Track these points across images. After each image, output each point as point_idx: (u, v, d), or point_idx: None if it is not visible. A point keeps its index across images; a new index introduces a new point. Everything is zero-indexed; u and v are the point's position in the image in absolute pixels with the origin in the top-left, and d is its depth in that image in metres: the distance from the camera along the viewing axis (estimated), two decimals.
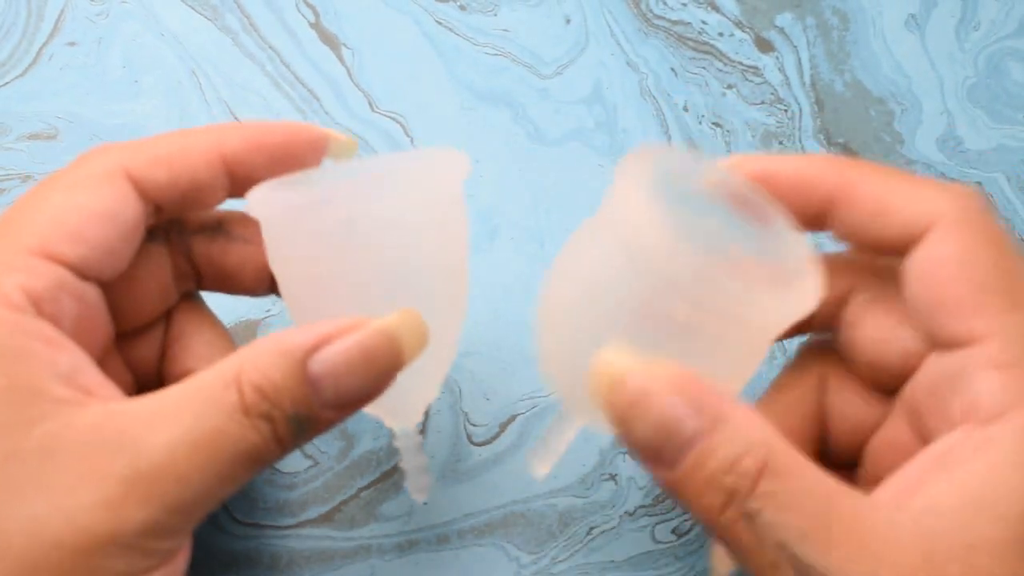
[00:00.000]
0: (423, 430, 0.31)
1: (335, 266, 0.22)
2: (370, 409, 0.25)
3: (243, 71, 0.34)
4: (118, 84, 0.34)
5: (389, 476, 0.31)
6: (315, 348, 0.20)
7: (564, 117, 0.35)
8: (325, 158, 0.25)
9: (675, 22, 0.36)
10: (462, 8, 0.36)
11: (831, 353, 0.25)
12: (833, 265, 0.24)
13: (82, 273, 0.21)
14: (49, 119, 0.33)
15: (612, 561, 0.31)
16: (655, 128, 0.35)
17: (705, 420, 0.18)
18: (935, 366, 0.21)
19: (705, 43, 0.36)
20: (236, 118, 0.34)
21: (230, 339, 0.26)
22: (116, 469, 0.19)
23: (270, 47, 0.35)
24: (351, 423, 0.31)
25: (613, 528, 0.31)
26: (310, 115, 0.34)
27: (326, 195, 0.22)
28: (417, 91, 0.35)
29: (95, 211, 0.21)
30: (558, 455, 0.24)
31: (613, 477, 0.31)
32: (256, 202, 0.23)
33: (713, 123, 0.35)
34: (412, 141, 0.34)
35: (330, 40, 0.35)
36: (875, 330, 0.23)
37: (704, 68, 0.36)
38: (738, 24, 0.36)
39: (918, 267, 0.21)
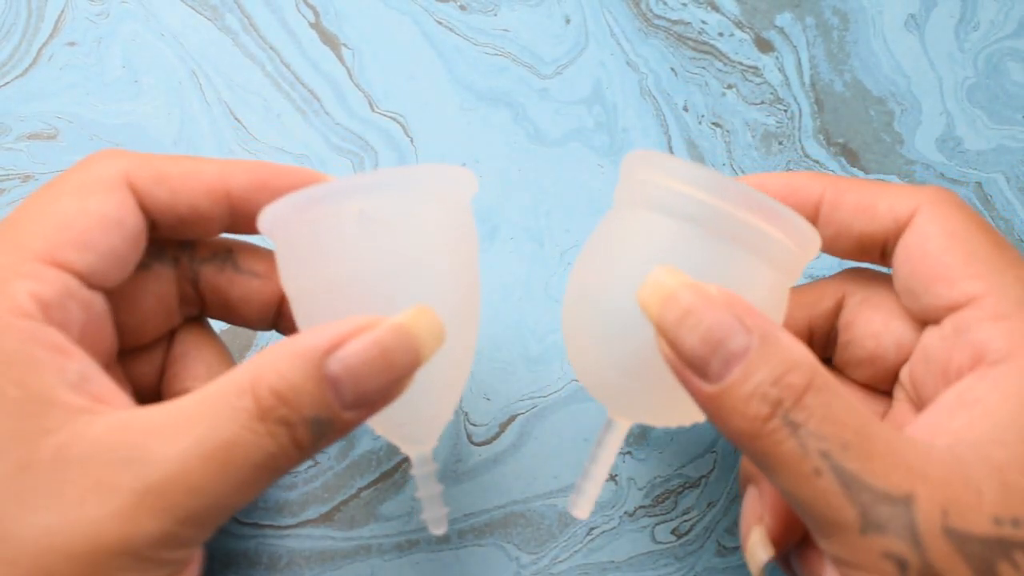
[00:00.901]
0: None
1: (349, 264, 0.22)
2: (387, 436, 0.25)
3: (243, 71, 0.34)
4: (118, 84, 0.34)
5: (389, 476, 0.31)
6: (332, 349, 0.19)
7: (564, 117, 0.35)
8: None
9: (675, 22, 0.36)
10: (462, 8, 0.36)
11: (829, 369, 0.26)
12: (824, 282, 0.26)
13: (89, 281, 0.21)
14: (49, 119, 0.33)
15: (612, 561, 0.31)
16: (655, 128, 0.35)
17: (754, 336, 0.19)
18: (930, 338, 0.23)
19: (705, 43, 0.36)
20: (236, 118, 0.34)
21: (232, 361, 0.26)
22: (127, 481, 0.18)
23: (270, 47, 0.35)
24: None
25: (613, 528, 0.31)
26: (310, 115, 0.34)
27: (341, 188, 0.22)
28: (417, 91, 0.35)
29: (102, 218, 0.21)
30: (596, 496, 0.25)
31: (613, 477, 0.31)
32: (270, 207, 0.22)
33: (713, 123, 0.35)
34: (412, 141, 0.34)
35: (330, 40, 0.35)
36: (869, 325, 0.25)
37: (704, 68, 0.36)
38: (738, 24, 0.36)
39: (908, 248, 0.23)
